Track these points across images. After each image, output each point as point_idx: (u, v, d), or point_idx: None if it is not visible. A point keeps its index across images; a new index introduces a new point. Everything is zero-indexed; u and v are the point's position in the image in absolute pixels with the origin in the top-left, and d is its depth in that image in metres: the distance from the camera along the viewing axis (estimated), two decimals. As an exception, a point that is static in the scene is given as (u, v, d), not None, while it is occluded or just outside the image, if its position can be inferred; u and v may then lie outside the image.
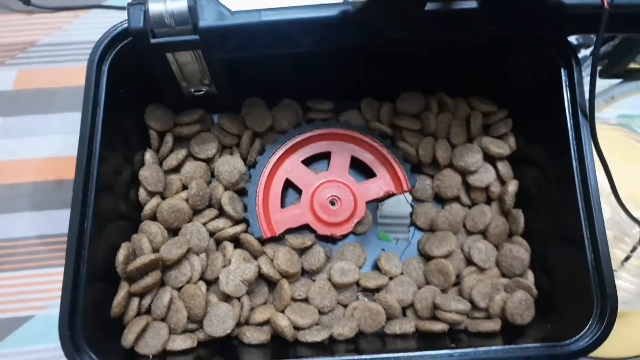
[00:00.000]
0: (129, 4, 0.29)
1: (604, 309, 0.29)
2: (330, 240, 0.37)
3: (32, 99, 0.62)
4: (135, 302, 0.31)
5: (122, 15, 0.68)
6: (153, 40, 0.30)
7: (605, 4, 0.29)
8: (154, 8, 0.29)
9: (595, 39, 0.32)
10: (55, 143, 0.59)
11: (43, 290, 0.51)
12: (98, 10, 0.69)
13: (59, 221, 0.54)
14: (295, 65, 0.35)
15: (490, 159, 0.38)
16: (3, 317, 0.49)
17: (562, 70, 0.33)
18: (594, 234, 0.30)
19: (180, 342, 0.31)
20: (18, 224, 0.54)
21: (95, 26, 0.68)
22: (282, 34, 0.30)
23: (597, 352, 0.33)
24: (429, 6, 0.30)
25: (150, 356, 0.30)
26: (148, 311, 0.32)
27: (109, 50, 0.30)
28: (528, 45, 0.34)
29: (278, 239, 0.36)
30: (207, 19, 0.29)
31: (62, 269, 0.50)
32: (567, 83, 0.33)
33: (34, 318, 0.50)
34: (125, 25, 0.30)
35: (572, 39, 0.45)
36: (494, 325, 0.33)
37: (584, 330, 0.30)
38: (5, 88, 0.63)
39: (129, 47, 0.31)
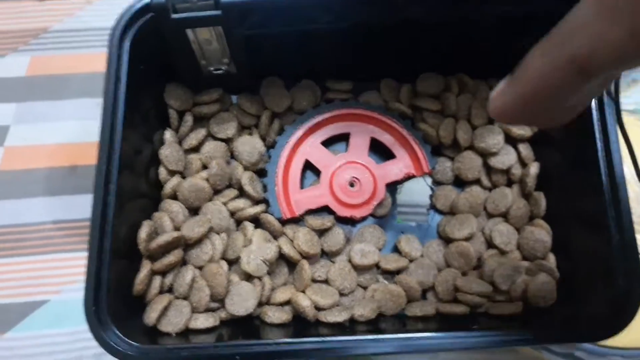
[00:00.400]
0: (151, -21, 0.29)
1: (630, 292, 0.29)
2: (350, 222, 0.37)
3: (45, 85, 0.62)
4: (157, 280, 0.31)
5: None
6: (174, 16, 0.30)
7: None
8: (177, -17, 0.29)
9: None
10: (69, 129, 0.59)
11: (58, 275, 0.52)
12: (111, -5, 0.68)
13: (73, 207, 0.55)
14: (314, 45, 0.34)
15: (511, 140, 0.37)
16: (18, 302, 0.50)
17: (588, 50, 0.32)
18: (619, 215, 0.30)
19: (203, 321, 0.31)
20: (32, 209, 0.55)
21: (108, 13, 0.67)
22: (302, 10, 0.30)
23: (615, 341, 0.33)
24: (454, -18, 0.29)
25: (173, 334, 0.30)
26: (170, 289, 0.32)
27: (130, 27, 0.30)
28: (546, 25, 0.34)
29: (297, 220, 0.36)
30: (230, -6, 0.29)
31: (76, 254, 0.50)
32: (592, 63, 0.32)
33: (49, 303, 0.50)
34: (147, 0, 0.30)
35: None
36: (516, 308, 0.33)
37: (608, 314, 0.29)
38: (19, 74, 0.63)
39: (149, 24, 0.31)
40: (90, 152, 0.56)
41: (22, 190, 0.56)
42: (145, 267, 0.31)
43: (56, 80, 0.63)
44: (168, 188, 0.34)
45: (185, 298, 0.31)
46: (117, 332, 0.27)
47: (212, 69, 0.35)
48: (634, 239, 0.30)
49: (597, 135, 0.31)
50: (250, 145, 0.35)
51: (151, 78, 0.33)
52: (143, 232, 0.31)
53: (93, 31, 0.66)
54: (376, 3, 0.30)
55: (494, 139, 0.36)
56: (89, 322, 0.27)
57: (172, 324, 0.30)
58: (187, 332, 0.31)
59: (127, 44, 0.30)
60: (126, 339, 0.27)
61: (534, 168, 0.36)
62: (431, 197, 0.38)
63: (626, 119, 0.44)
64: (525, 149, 0.37)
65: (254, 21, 0.30)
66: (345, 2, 0.29)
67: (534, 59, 0.21)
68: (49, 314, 0.49)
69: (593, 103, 0.32)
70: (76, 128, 0.59)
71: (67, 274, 0.52)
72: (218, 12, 0.29)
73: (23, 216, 0.54)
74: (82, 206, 0.54)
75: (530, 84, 0.21)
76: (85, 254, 0.51)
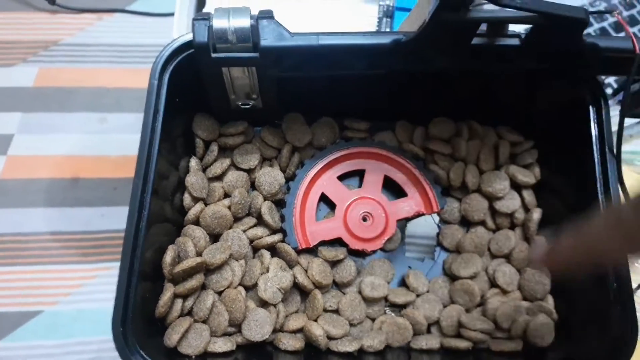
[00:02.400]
0: (194, 19, 0.31)
1: (624, 338, 0.31)
2: (360, 254, 0.39)
3: (52, 96, 0.63)
4: (178, 303, 0.32)
5: (144, 20, 0.70)
6: (214, 55, 0.31)
7: (637, 49, 0.32)
8: (218, 24, 0.31)
9: (625, 80, 0.34)
10: (72, 141, 0.60)
11: (53, 286, 0.52)
12: (121, 14, 0.70)
13: (72, 219, 0.55)
14: (338, 87, 0.37)
15: (516, 186, 0.39)
16: (12, 311, 0.50)
17: (591, 108, 0.35)
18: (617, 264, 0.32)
19: (222, 345, 0.32)
20: (32, 219, 0.55)
21: (118, 29, 0.69)
22: (336, 58, 0.32)
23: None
24: (475, 40, 0.32)
25: (193, 356, 0.31)
26: (189, 312, 0.33)
27: (171, 61, 0.32)
28: (559, 82, 0.36)
29: (311, 251, 0.37)
30: (268, 39, 0.31)
31: (72, 266, 0.51)
32: (595, 120, 0.35)
33: (43, 314, 0.50)
34: (187, 38, 0.32)
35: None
36: (516, 345, 0.35)
37: (604, 356, 0.31)
38: (26, 84, 0.64)
39: (187, 59, 0.32)
40: (93, 165, 0.57)
41: (22, 199, 0.56)
42: (169, 290, 0.32)
43: (62, 92, 0.64)
44: (192, 214, 0.35)
45: (205, 322, 0.33)
46: (143, 353, 0.29)
47: (240, 103, 0.36)
48: (630, 286, 0.32)
49: (599, 188, 0.34)
50: (271, 177, 0.37)
51: (182, 108, 0.35)
52: (168, 257, 0.32)
53: (102, 47, 0.68)
54: (407, 55, 0.32)
55: (500, 184, 0.39)
56: (116, 342, 0.28)
57: (192, 346, 0.31)
58: (205, 355, 0.32)
59: (166, 77, 0.32)
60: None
61: (536, 214, 0.38)
62: (438, 235, 0.40)
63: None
64: (529, 195, 0.39)
65: (288, 65, 0.32)
66: (379, 53, 0.31)
67: (564, 250, 0.27)
68: (42, 325, 0.50)
69: (596, 158, 0.34)
70: (80, 141, 0.60)
71: (63, 285, 0.52)
72: (256, 55, 0.31)
73: (22, 226, 0.55)
74: (81, 218, 0.55)
75: (561, 265, 0.28)
76: (81, 267, 0.52)
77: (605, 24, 0.57)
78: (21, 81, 0.65)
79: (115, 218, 0.56)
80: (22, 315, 0.50)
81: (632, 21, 0.59)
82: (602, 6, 0.57)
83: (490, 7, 0.29)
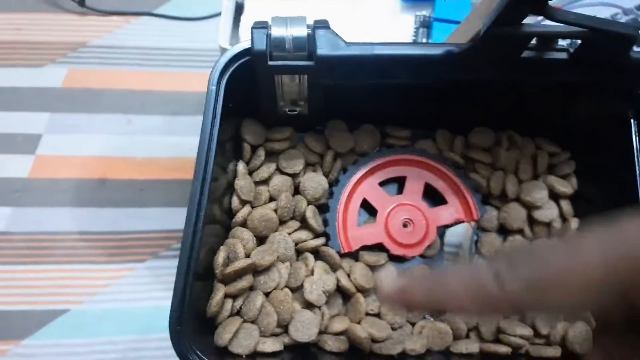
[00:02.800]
0: (253, 27, 0.32)
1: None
2: (401, 259, 0.39)
3: (79, 97, 0.64)
4: (229, 303, 0.33)
5: (170, 24, 0.71)
6: (270, 62, 0.32)
7: (683, 66, 0.33)
8: (277, 32, 0.32)
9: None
10: (100, 142, 0.61)
11: (80, 285, 0.53)
12: (148, 17, 0.72)
13: (99, 219, 0.56)
14: (378, 93, 0.37)
15: (554, 196, 0.40)
16: (38, 309, 0.51)
17: (632, 121, 0.36)
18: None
19: (270, 345, 0.32)
20: (59, 219, 0.56)
21: (145, 32, 0.70)
22: (388, 67, 0.33)
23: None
24: (525, 53, 0.33)
25: (243, 356, 0.32)
26: (238, 312, 0.34)
27: (229, 67, 0.33)
28: (602, 95, 0.37)
29: (352, 255, 0.38)
30: (324, 48, 0.32)
31: (99, 266, 0.52)
32: (637, 133, 0.36)
33: (69, 312, 0.51)
34: (245, 45, 0.33)
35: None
36: (555, 352, 0.36)
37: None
38: (55, 85, 0.65)
39: (243, 66, 0.33)
40: (120, 167, 0.58)
41: (50, 199, 0.57)
42: (220, 291, 0.32)
43: (90, 94, 0.65)
44: (240, 216, 0.36)
45: (254, 322, 0.33)
46: (198, 352, 0.29)
47: (287, 109, 0.37)
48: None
49: (640, 200, 0.35)
50: (315, 182, 0.38)
51: (233, 114, 0.35)
52: (220, 258, 0.33)
53: (129, 49, 0.69)
54: (456, 66, 0.33)
55: (539, 193, 0.39)
56: (173, 341, 0.29)
57: (243, 346, 0.32)
58: (254, 355, 0.33)
59: (224, 83, 0.32)
60: (205, 359, 0.29)
61: (574, 223, 0.39)
62: (476, 242, 0.41)
63: None
64: (566, 205, 0.40)
65: (341, 73, 0.33)
66: (429, 63, 0.32)
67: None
68: (68, 324, 0.50)
69: (637, 172, 0.35)
70: (107, 142, 0.61)
71: (90, 285, 0.53)
72: (311, 63, 0.32)
73: (49, 225, 0.56)
74: (108, 219, 0.56)
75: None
76: (107, 267, 0.53)
77: None
78: (50, 82, 0.66)
79: (141, 219, 0.56)
80: (48, 313, 0.51)
81: None
82: (624, 19, 0.58)
83: (542, 21, 0.30)
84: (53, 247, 0.54)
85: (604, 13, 0.56)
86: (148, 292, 0.52)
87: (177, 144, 0.61)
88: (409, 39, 0.48)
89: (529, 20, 0.30)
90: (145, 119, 0.63)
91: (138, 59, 0.69)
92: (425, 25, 0.48)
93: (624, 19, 0.58)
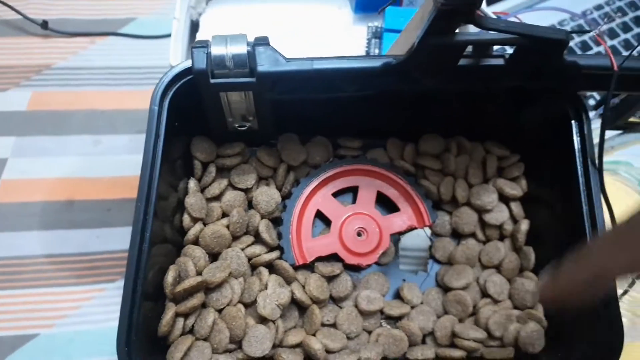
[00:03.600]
0: (192, 47, 0.32)
1: (611, 340, 0.32)
2: (356, 269, 0.40)
3: (45, 120, 0.64)
4: (180, 321, 0.33)
5: (135, 43, 0.72)
6: (212, 81, 0.33)
7: (615, 67, 0.34)
8: (216, 51, 0.32)
9: (605, 95, 0.36)
10: (67, 164, 0.61)
11: (49, 309, 0.52)
12: (113, 37, 0.72)
13: (68, 241, 0.56)
14: (329, 105, 0.38)
15: (504, 199, 0.41)
16: (8, 335, 0.50)
17: (573, 122, 0.37)
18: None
19: (223, 361, 0.33)
20: (27, 243, 0.56)
21: (110, 52, 0.70)
22: (330, 81, 0.34)
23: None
24: (461, 61, 0.33)
25: (195, 374, 0.32)
26: (190, 331, 0.34)
27: (171, 87, 0.33)
28: (542, 98, 0.38)
29: (308, 266, 0.38)
30: (264, 64, 0.32)
31: (69, 289, 0.52)
32: (577, 133, 0.37)
33: (39, 337, 0.51)
34: (185, 65, 0.33)
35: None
36: (508, 353, 0.36)
37: (591, 360, 0.33)
38: (20, 108, 0.65)
39: (186, 85, 0.34)
40: (87, 187, 0.58)
41: (17, 223, 0.57)
42: (171, 310, 0.33)
43: (56, 115, 0.65)
44: (191, 234, 0.36)
45: (206, 339, 0.33)
46: (147, 372, 0.29)
47: (236, 125, 0.37)
48: (615, 291, 0.34)
49: (583, 199, 0.35)
50: (267, 196, 0.38)
51: (180, 131, 0.36)
52: (170, 277, 0.33)
53: (95, 70, 0.69)
54: (396, 76, 0.33)
55: (489, 197, 0.40)
56: (121, 361, 0.29)
57: (195, 364, 0.32)
58: (207, 372, 0.33)
59: (166, 103, 0.33)
60: (154, 379, 0.29)
61: (524, 225, 0.40)
62: (430, 247, 0.41)
63: (605, 178, 0.48)
64: (516, 207, 0.41)
65: (284, 88, 0.33)
66: (370, 76, 0.33)
67: (566, 275, 0.27)
68: (39, 348, 0.50)
69: (579, 170, 0.36)
70: (74, 163, 0.61)
71: (59, 307, 0.53)
72: (253, 80, 0.32)
73: (17, 249, 0.55)
74: (76, 240, 0.55)
75: (566, 292, 0.28)
76: (77, 288, 0.53)
77: (586, 37, 0.60)
78: (14, 105, 0.65)
79: (110, 239, 0.56)
80: (18, 338, 0.50)
81: (612, 34, 0.62)
82: (580, 21, 0.60)
83: (475, 29, 0.31)
84: (22, 272, 0.54)
85: (553, 18, 0.58)
86: (119, 312, 0.52)
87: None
88: (362, 49, 0.49)
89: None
90: (113, 139, 0.63)
91: (104, 78, 0.69)
92: (377, 35, 0.49)
93: (570, 24, 0.60)
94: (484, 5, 0.36)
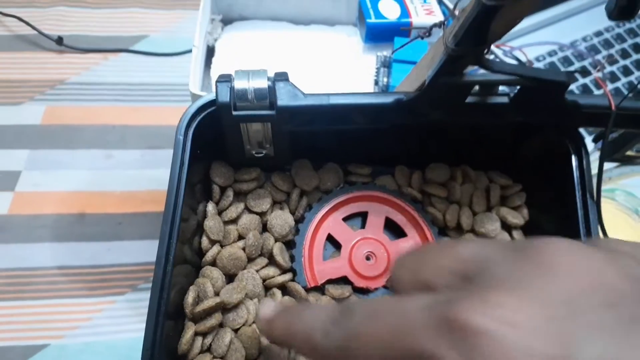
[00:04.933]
0: (217, 81, 0.34)
1: None
2: (364, 292, 0.41)
3: (58, 134, 0.66)
4: (199, 340, 0.35)
5: (147, 60, 0.74)
6: (235, 113, 0.35)
7: (613, 106, 0.36)
8: (239, 85, 0.34)
9: (602, 130, 0.38)
10: (79, 178, 0.63)
11: (60, 320, 0.54)
12: (126, 54, 0.74)
13: (79, 253, 0.57)
14: (341, 136, 0.40)
15: (506, 227, 0.43)
16: (19, 345, 0.52)
17: (573, 156, 0.39)
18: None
19: (239, 379, 0.34)
20: (39, 254, 0.57)
21: (122, 68, 0.73)
22: (344, 114, 0.36)
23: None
24: (469, 99, 0.36)
25: (213, 391, 0.34)
26: (208, 349, 0.35)
27: (195, 118, 0.35)
28: (544, 132, 0.40)
29: (319, 289, 0.40)
30: (284, 99, 0.34)
31: (79, 300, 0.53)
32: (577, 167, 0.39)
33: (49, 347, 0.52)
34: (210, 97, 0.35)
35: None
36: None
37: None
38: (34, 122, 0.67)
39: (209, 115, 0.36)
40: (99, 201, 0.60)
41: (29, 235, 0.58)
42: (190, 329, 0.34)
43: (69, 130, 0.66)
44: (209, 256, 0.38)
45: (223, 358, 0.35)
46: (169, 389, 0.31)
47: (254, 152, 0.39)
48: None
49: (582, 229, 0.37)
50: (281, 219, 0.40)
51: (201, 158, 0.38)
52: (190, 297, 0.35)
53: (107, 85, 0.71)
54: (407, 112, 0.35)
55: (492, 225, 0.42)
56: (146, 379, 0.31)
57: (212, 381, 0.34)
58: (224, 390, 0.34)
59: (191, 132, 0.35)
60: (176, 396, 0.31)
61: (525, 252, 0.41)
62: (436, 272, 0.43)
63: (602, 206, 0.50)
64: (518, 235, 0.42)
65: (301, 120, 0.35)
66: (382, 111, 0.35)
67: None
68: (49, 358, 0.51)
69: (578, 203, 0.38)
70: (86, 177, 0.63)
71: (70, 319, 0.54)
72: (272, 113, 0.34)
73: (29, 260, 0.57)
74: (87, 253, 0.57)
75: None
76: (88, 300, 0.54)
77: (587, 80, 0.62)
78: (29, 119, 0.67)
79: (120, 252, 0.58)
80: (28, 349, 0.52)
81: (613, 77, 0.64)
82: (585, 62, 0.62)
83: (483, 71, 0.33)
84: (33, 283, 0.55)
85: (543, 50, 0.60)
86: (128, 324, 0.54)
87: (154, 177, 0.63)
88: (371, 78, 0.51)
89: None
90: (124, 154, 0.65)
91: (116, 94, 0.71)
92: (386, 65, 0.51)
93: (559, 54, 0.62)
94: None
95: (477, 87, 0.36)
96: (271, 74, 0.35)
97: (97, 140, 0.66)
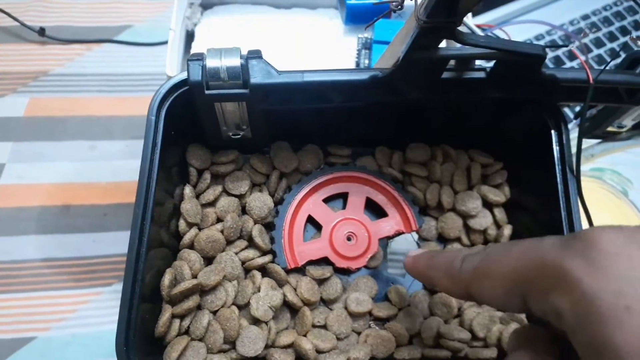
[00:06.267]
0: (188, 60, 0.34)
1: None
2: (346, 272, 0.41)
3: (42, 125, 0.65)
4: (176, 323, 0.34)
5: (131, 50, 0.73)
6: (207, 92, 0.34)
7: (591, 79, 0.35)
8: (211, 64, 0.34)
9: (582, 106, 0.38)
10: (63, 169, 0.62)
11: (46, 312, 0.54)
12: (109, 44, 0.73)
13: (64, 245, 0.57)
14: (320, 115, 0.40)
15: (488, 205, 0.43)
16: (5, 338, 0.51)
17: (553, 132, 0.39)
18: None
19: (218, 360, 0.34)
20: (24, 247, 0.57)
21: (106, 59, 0.72)
22: (319, 92, 0.35)
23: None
24: (445, 75, 0.35)
25: (191, 373, 0.33)
26: (186, 332, 0.35)
27: (167, 98, 0.35)
28: (524, 108, 0.40)
29: (299, 270, 0.40)
30: (257, 77, 0.34)
31: (66, 292, 0.53)
32: (557, 142, 0.38)
33: (36, 340, 0.52)
34: (181, 76, 0.35)
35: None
36: (491, 353, 0.38)
37: None
38: (17, 114, 0.66)
39: (182, 95, 0.35)
40: (84, 193, 0.59)
41: (14, 227, 0.58)
42: (167, 311, 0.34)
43: (53, 121, 0.66)
44: (187, 239, 0.37)
45: (201, 340, 0.35)
46: (144, 370, 0.31)
47: (231, 133, 0.39)
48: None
49: (562, 206, 0.37)
50: (260, 201, 0.40)
51: (177, 140, 0.37)
52: (166, 280, 0.34)
53: (91, 76, 0.70)
54: (383, 89, 0.35)
55: (473, 203, 0.42)
56: (120, 360, 0.30)
57: (190, 363, 0.33)
58: (202, 372, 0.34)
59: (163, 112, 0.34)
60: (152, 377, 0.31)
61: (507, 230, 0.41)
62: (418, 252, 0.43)
63: (590, 184, 0.50)
64: (499, 213, 0.42)
65: (276, 99, 0.35)
66: (357, 88, 0.34)
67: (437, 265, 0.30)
68: (36, 351, 0.51)
69: (558, 178, 0.37)
70: (71, 169, 0.62)
71: (56, 311, 0.54)
72: (246, 91, 0.34)
73: (14, 253, 0.56)
74: (73, 244, 0.57)
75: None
76: (74, 292, 0.54)
77: (575, 63, 0.62)
78: (12, 111, 0.66)
79: (106, 243, 0.57)
80: (15, 342, 0.51)
81: (601, 61, 0.64)
82: (559, 33, 0.62)
83: (457, 45, 0.33)
84: (19, 276, 0.55)
85: (530, 33, 0.60)
86: (115, 315, 0.53)
87: (139, 167, 0.62)
88: (353, 60, 0.51)
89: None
90: (109, 144, 0.64)
91: (100, 85, 0.70)
92: (367, 46, 0.50)
93: (547, 38, 0.62)
94: (469, 18, 0.38)
95: (453, 63, 0.35)
96: (244, 52, 0.34)
97: (81, 131, 0.65)
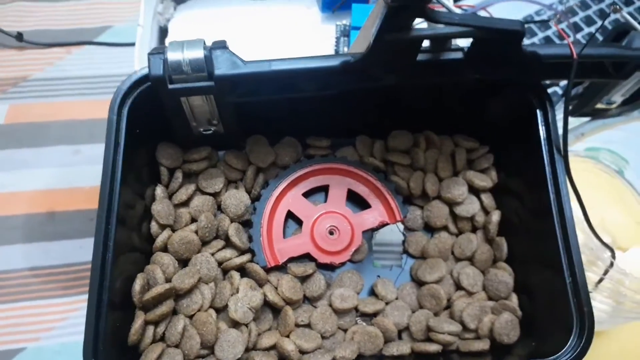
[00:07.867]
0: (149, 53, 0.32)
1: (583, 327, 0.32)
2: (330, 268, 0.40)
3: (24, 132, 0.64)
4: (150, 329, 0.33)
5: (113, 52, 0.71)
6: (170, 86, 0.32)
7: (575, 55, 0.34)
8: (173, 57, 0.32)
9: (566, 83, 0.36)
10: (47, 176, 0.61)
11: (35, 322, 0.52)
12: (90, 46, 0.71)
13: (50, 253, 0.56)
14: (296, 106, 0.38)
15: (474, 191, 0.41)
16: None
17: (538, 111, 0.37)
18: (570, 259, 0.34)
19: (194, 367, 0.32)
20: (10, 256, 0.56)
21: (87, 62, 0.70)
22: (289, 81, 0.34)
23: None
24: (420, 57, 0.33)
25: (167, 381, 0.32)
26: (162, 338, 0.34)
27: (129, 95, 0.33)
28: (507, 89, 0.38)
29: (281, 268, 0.38)
30: (221, 68, 0.32)
31: (53, 301, 0.52)
32: (542, 122, 0.37)
33: (25, 350, 0.51)
34: (144, 72, 0.33)
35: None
36: (484, 345, 0.36)
37: (565, 347, 0.33)
38: (-4, 122, 0.65)
39: (146, 92, 0.34)
40: (69, 199, 0.58)
41: (-1, 237, 0.56)
42: (140, 318, 0.32)
43: (34, 127, 0.64)
44: (159, 241, 0.36)
45: (177, 346, 0.33)
46: (115, 381, 0.29)
47: (201, 129, 0.37)
48: (584, 279, 0.34)
49: (550, 187, 0.35)
50: (236, 199, 0.38)
51: (144, 139, 0.36)
52: (137, 285, 0.33)
53: (72, 80, 0.69)
54: (356, 74, 0.33)
55: (458, 189, 0.40)
56: (88, 373, 0.29)
57: (166, 371, 0.32)
58: (179, 379, 0.33)
59: (125, 111, 0.33)
60: (123, 388, 0.29)
61: (495, 216, 0.40)
62: (404, 242, 0.41)
63: (584, 164, 0.49)
64: (487, 199, 0.41)
65: (244, 90, 0.33)
66: (329, 75, 0.33)
67: None
68: (25, 362, 0.50)
69: (545, 159, 0.36)
70: (55, 175, 0.61)
71: (45, 320, 0.52)
72: (211, 84, 0.32)
73: (0, 263, 0.55)
74: (60, 252, 0.55)
75: None
76: (63, 300, 0.52)
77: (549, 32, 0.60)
78: (-9, 119, 0.65)
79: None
80: (4, 353, 0.50)
81: (577, 28, 0.62)
82: (545, 15, 0.60)
83: (431, 24, 0.31)
84: (6, 286, 0.54)
85: (525, 11, 0.58)
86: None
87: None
88: (332, 48, 0.49)
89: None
90: (92, 148, 0.63)
91: (81, 88, 0.68)
92: (346, 34, 0.49)
93: (536, 19, 0.60)
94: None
95: (428, 44, 0.33)
96: (209, 44, 0.33)
97: (64, 136, 0.64)
